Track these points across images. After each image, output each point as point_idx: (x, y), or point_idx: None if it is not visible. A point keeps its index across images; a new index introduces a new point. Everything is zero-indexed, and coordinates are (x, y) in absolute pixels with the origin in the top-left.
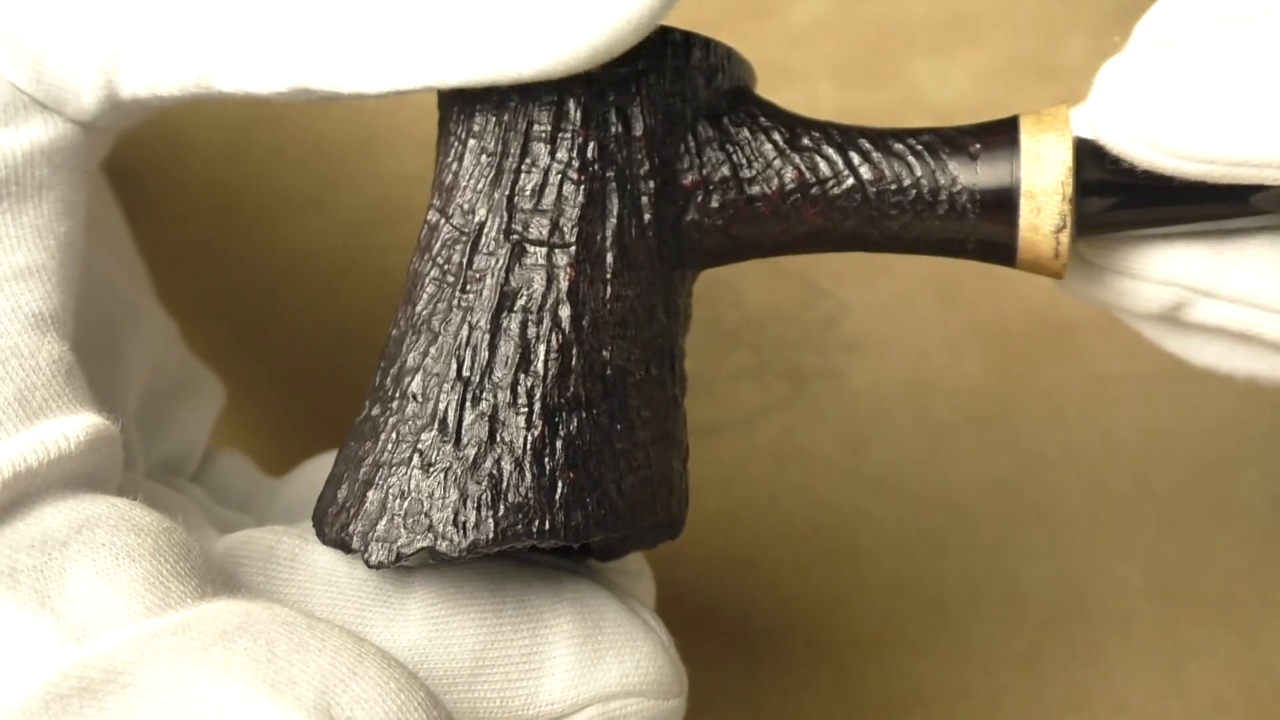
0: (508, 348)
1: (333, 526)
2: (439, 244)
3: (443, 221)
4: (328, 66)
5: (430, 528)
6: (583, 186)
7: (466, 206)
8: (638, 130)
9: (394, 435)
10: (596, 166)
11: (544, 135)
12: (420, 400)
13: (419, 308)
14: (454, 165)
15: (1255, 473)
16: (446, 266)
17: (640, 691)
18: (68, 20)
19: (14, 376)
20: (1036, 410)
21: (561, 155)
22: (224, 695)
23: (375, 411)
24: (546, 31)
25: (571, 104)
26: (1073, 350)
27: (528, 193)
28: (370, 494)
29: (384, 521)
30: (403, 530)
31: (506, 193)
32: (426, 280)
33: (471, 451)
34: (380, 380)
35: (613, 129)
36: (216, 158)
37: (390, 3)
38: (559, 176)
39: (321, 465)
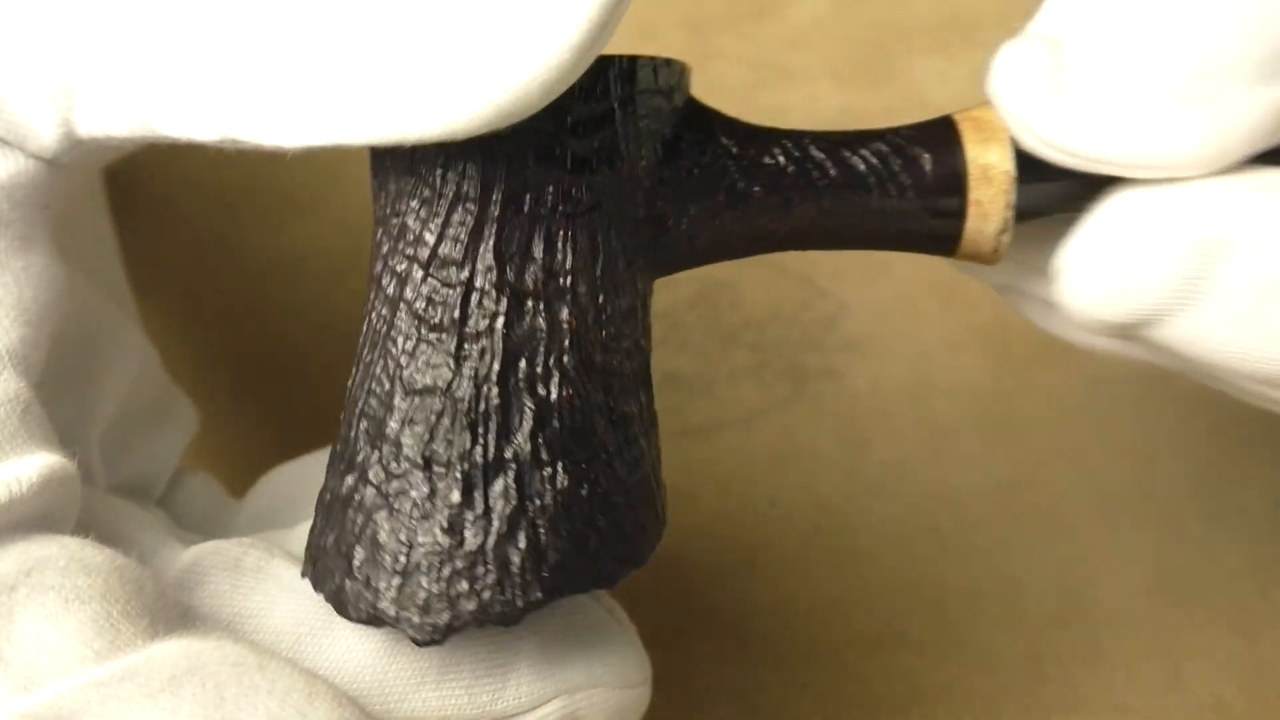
0: (521, 408)
1: (358, 607)
2: (420, 298)
3: (419, 272)
4: (248, 121)
5: (479, 599)
6: (571, 230)
7: (446, 256)
8: (619, 165)
9: (411, 508)
10: (582, 207)
11: (528, 180)
12: (435, 468)
13: (408, 368)
14: (421, 211)
15: (1255, 473)
16: (435, 323)
17: (605, 682)
18: (24, 59)
19: None
20: (1037, 410)
21: (548, 199)
22: None
23: (377, 478)
24: (447, 92)
25: (555, 146)
26: (1073, 350)
27: (516, 242)
28: (399, 570)
29: (423, 596)
30: (447, 605)
31: (493, 242)
32: (410, 336)
33: (503, 520)
34: (369, 443)
35: (595, 165)
36: (216, 158)
37: (297, 65)
38: (546, 222)
39: (277, 480)
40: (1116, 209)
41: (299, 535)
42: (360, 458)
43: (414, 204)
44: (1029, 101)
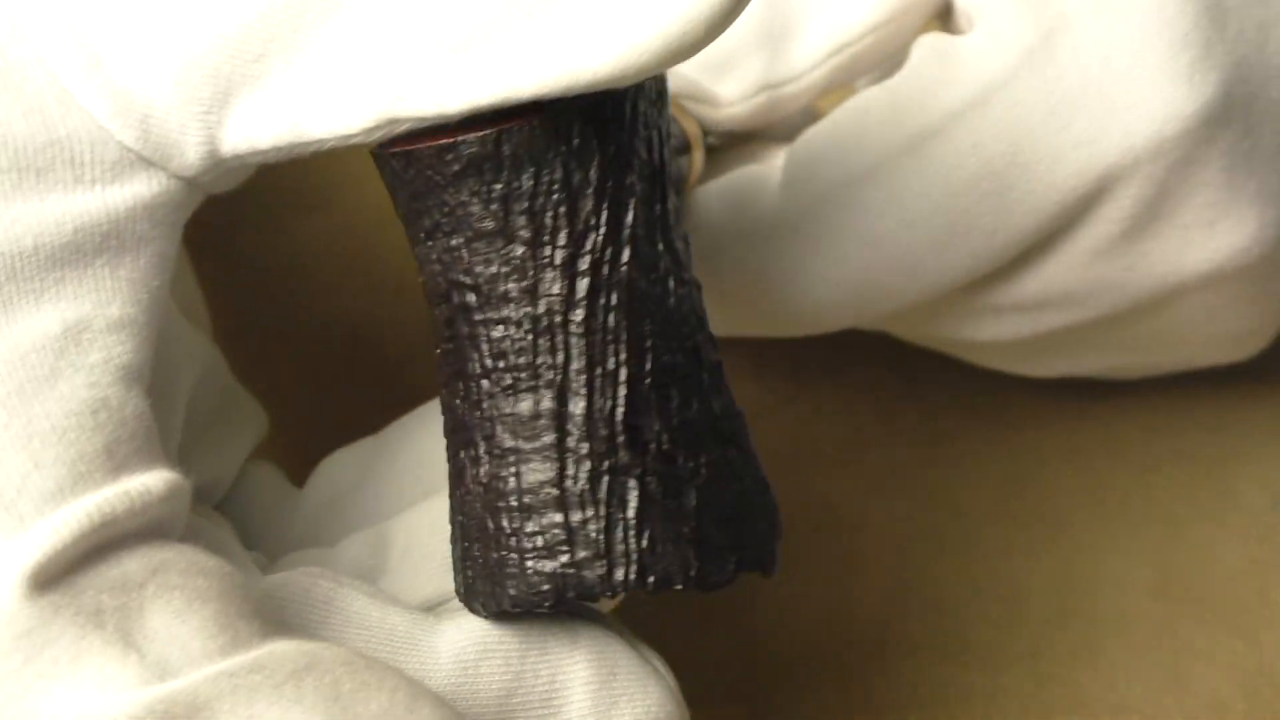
0: (714, 371)
1: (609, 580)
2: (624, 292)
3: (615, 270)
4: (407, 92)
5: (723, 556)
6: (680, 200)
7: (637, 238)
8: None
9: (662, 489)
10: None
11: (666, 175)
12: (678, 451)
13: (647, 356)
14: (596, 205)
15: (1255, 473)
16: (643, 305)
17: None
18: (173, 77)
19: (104, 428)
20: (1037, 410)
21: (671, 192)
22: None
23: (631, 471)
24: (619, 29)
25: (655, 129)
26: None
27: (672, 219)
28: (682, 536)
29: (667, 557)
30: (706, 558)
31: (661, 222)
32: (633, 325)
33: (729, 475)
34: (596, 445)
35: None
36: None
37: (456, 23)
38: (677, 211)
39: (336, 469)
40: None
41: (342, 555)
42: (582, 454)
43: (586, 202)
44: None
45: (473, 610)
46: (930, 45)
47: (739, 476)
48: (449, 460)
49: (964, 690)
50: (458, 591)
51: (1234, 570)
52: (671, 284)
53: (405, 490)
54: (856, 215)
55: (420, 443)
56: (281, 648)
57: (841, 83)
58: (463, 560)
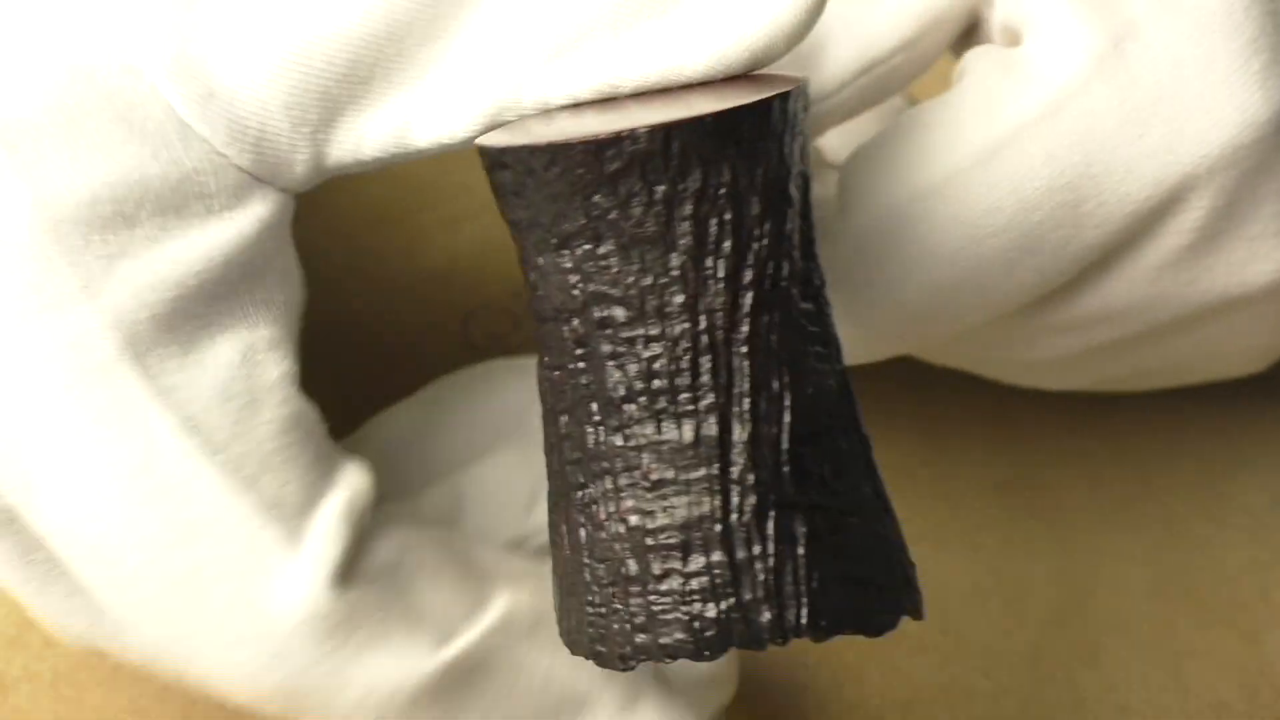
0: (853, 394)
1: (775, 611)
2: (785, 309)
3: (776, 285)
4: (514, 87)
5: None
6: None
7: (795, 251)
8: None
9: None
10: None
11: (805, 176)
12: (839, 482)
13: (808, 379)
14: (761, 213)
15: (1255, 473)
16: (802, 324)
17: None
18: (284, 102)
19: (308, 438)
20: (1037, 410)
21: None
22: (550, 669)
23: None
24: (710, 34)
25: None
26: None
27: (812, 236)
28: (844, 578)
29: (840, 595)
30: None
31: (811, 236)
32: (795, 345)
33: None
34: (747, 468)
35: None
36: None
37: (561, 27)
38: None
39: (383, 427)
40: None
41: (423, 505)
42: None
43: (727, 226)
44: None
45: (605, 665)
46: (989, 57)
47: (886, 509)
48: (560, 496)
49: (964, 690)
50: (577, 646)
51: (1234, 570)
52: (822, 302)
53: (460, 446)
54: (923, 233)
55: (472, 400)
56: (515, 602)
57: (870, 103)
58: (589, 609)
